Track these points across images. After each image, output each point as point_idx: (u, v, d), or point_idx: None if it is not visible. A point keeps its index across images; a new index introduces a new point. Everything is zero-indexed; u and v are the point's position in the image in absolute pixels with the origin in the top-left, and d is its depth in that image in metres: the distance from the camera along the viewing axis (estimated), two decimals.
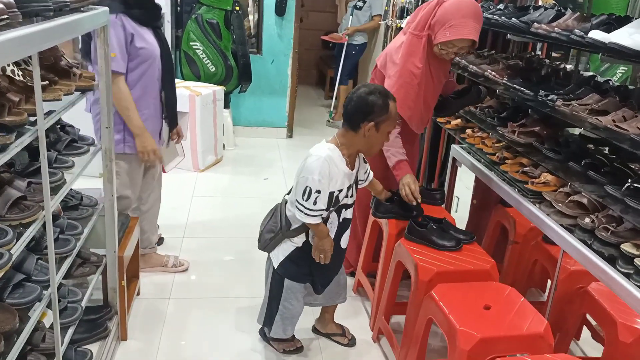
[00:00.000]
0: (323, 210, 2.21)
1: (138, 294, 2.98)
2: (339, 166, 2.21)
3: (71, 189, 2.25)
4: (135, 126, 2.71)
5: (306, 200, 2.17)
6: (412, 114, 2.76)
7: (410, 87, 2.70)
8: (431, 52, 2.67)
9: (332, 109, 6.91)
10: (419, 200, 2.65)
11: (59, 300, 1.92)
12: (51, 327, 1.83)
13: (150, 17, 2.75)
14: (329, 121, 6.80)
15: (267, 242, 2.38)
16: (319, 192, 2.16)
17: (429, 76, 2.73)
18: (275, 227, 2.35)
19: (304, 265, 2.36)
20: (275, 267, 2.36)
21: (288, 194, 2.41)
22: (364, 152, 2.33)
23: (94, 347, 2.31)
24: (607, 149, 2.57)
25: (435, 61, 2.72)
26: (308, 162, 2.19)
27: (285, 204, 2.37)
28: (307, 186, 2.16)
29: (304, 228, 2.30)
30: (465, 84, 3.05)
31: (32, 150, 1.84)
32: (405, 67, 2.70)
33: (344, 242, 2.44)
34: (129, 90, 2.67)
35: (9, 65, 1.68)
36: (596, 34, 2.07)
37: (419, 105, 2.76)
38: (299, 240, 2.33)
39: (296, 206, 2.21)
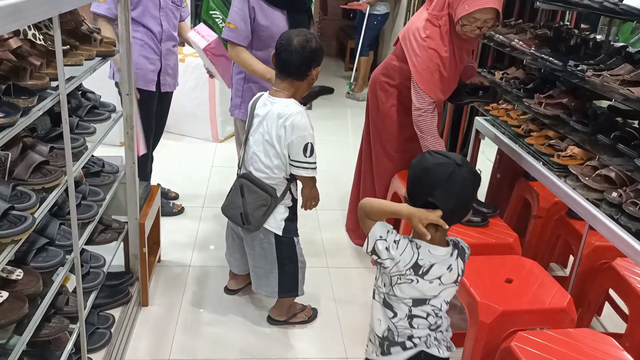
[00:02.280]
0: None
1: (159, 262, 3.01)
2: (307, 113, 2.28)
3: (93, 156, 2.26)
4: (263, 73, 2.60)
5: (310, 156, 2.24)
6: (436, 95, 2.66)
7: (435, 69, 2.60)
8: (454, 32, 2.56)
9: (352, 80, 6.83)
10: None
11: (82, 265, 1.94)
12: (74, 291, 1.86)
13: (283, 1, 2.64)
14: (349, 93, 6.73)
15: (260, 219, 2.33)
16: (314, 143, 2.25)
17: (452, 57, 2.63)
18: (266, 201, 2.31)
19: (296, 217, 2.47)
20: (281, 234, 2.37)
21: (240, 168, 2.43)
22: (305, 93, 2.37)
23: (115, 312, 2.35)
24: (636, 122, 2.50)
25: (459, 41, 2.61)
26: (296, 121, 2.19)
27: (246, 177, 2.34)
28: (307, 143, 2.21)
29: (288, 187, 2.34)
30: (485, 81, 2.90)
31: (54, 116, 1.84)
32: (429, 49, 2.59)
33: None
34: (249, 55, 2.64)
35: (30, 29, 1.67)
36: (632, 1, 1.99)
37: (443, 86, 2.67)
38: (288, 201, 2.38)
39: (301, 167, 2.25)
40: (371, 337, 1.74)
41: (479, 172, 1.63)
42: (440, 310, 1.66)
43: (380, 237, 1.61)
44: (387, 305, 1.67)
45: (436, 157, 1.57)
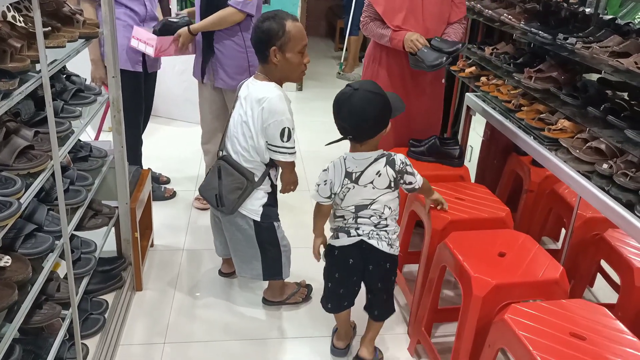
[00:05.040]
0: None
1: (152, 246, 3.00)
2: (287, 97, 2.25)
3: (80, 141, 2.23)
4: None
5: (287, 141, 2.22)
6: (380, 7, 2.69)
7: None
8: None
9: (342, 60, 6.78)
10: (428, 45, 2.60)
11: (72, 251, 1.92)
12: (65, 277, 1.84)
13: None
14: (339, 73, 6.69)
15: (235, 202, 2.30)
16: (293, 129, 2.23)
17: None
18: (241, 185, 2.28)
19: (276, 203, 2.43)
20: (259, 220, 2.33)
21: (221, 150, 2.41)
22: (287, 79, 2.31)
23: (109, 298, 2.34)
24: (626, 94, 2.50)
25: None
26: (273, 105, 2.17)
27: (225, 160, 2.33)
28: (284, 127, 2.19)
29: (266, 173, 2.32)
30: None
31: (38, 100, 1.81)
32: None
33: None
34: None
35: (9, 10, 1.63)
36: None
37: (391, 4, 2.67)
38: (267, 186, 2.35)
39: (278, 152, 2.23)
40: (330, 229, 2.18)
41: (380, 92, 1.95)
42: (384, 213, 2.04)
43: (317, 183, 2.06)
44: (337, 216, 2.10)
45: (344, 89, 1.94)
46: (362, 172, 1.98)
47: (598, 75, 2.76)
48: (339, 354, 2.34)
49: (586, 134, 2.29)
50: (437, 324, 2.48)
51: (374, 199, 2.02)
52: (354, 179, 2.00)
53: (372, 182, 1.99)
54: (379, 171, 1.98)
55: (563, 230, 3.03)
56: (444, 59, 2.54)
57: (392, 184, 2.01)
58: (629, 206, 1.89)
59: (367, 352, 2.26)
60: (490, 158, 3.30)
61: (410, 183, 2.07)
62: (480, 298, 1.84)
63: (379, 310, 2.21)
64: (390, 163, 1.99)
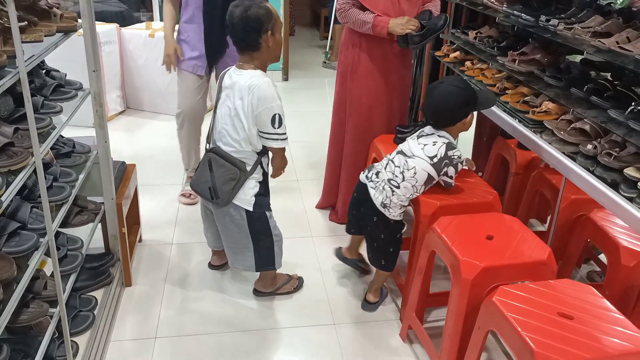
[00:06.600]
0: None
1: (140, 241, 2.98)
2: (274, 84, 2.24)
3: (62, 137, 2.21)
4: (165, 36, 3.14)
5: (279, 127, 2.22)
6: None
7: None
8: None
9: (327, 49, 6.75)
10: (418, 25, 2.69)
11: (58, 249, 1.91)
12: (52, 275, 1.82)
13: None
14: (325, 62, 6.66)
15: (229, 193, 2.28)
16: (283, 115, 2.23)
17: None
18: (234, 175, 2.27)
19: (268, 192, 2.43)
20: (252, 210, 2.33)
21: (208, 142, 2.41)
22: (274, 60, 2.34)
23: (98, 294, 2.33)
24: (609, 74, 2.50)
25: None
26: (263, 92, 2.16)
27: (215, 152, 2.32)
28: (275, 114, 2.19)
29: (258, 161, 2.32)
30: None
31: (17, 97, 1.78)
32: None
33: None
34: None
35: None
36: None
37: None
38: (259, 175, 2.35)
39: (270, 138, 2.23)
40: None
41: (463, 87, 2.26)
42: (408, 170, 2.22)
43: None
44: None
45: (435, 82, 2.30)
46: (426, 135, 2.30)
47: (581, 56, 2.76)
48: (349, 262, 2.71)
49: (570, 115, 2.30)
50: (428, 309, 2.49)
51: (414, 155, 2.25)
52: (419, 135, 2.33)
53: (424, 145, 2.26)
54: (435, 142, 2.25)
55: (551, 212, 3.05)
56: (444, 16, 2.76)
57: (436, 160, 2.22)
58: (614, 186, 1.90)
59: (372, 296, 2.56)
60: (480, 142, 3.31)
61: (448, 175, 2.29)
62: (469, 281, 1.85)
63: (369, 254, 2.48)
64: (449, 147, 2.24)
